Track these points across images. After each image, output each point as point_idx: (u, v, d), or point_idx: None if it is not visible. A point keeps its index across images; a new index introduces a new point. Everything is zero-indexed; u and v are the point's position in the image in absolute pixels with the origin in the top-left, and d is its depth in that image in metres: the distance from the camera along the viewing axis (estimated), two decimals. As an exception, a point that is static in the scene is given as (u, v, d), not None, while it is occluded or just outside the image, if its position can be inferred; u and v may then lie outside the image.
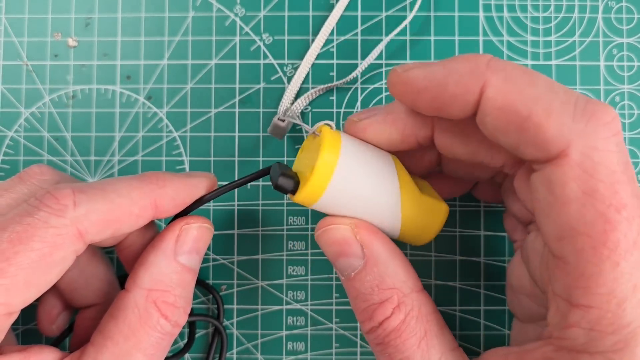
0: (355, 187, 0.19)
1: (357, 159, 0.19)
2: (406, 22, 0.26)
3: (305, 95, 0.26)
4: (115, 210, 0.19)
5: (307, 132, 0.23)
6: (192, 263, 0.21)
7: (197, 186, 0.21)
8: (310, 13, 0.27)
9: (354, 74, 0.26)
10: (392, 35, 0.26)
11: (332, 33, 0.27)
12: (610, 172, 0.15)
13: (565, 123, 0.15)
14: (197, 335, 0.26)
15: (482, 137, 0.19)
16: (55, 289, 0.23)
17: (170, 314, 0.20)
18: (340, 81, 0.26)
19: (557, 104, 0.16)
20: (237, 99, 0.27)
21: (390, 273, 0.19)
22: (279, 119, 0.25)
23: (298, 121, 0.22)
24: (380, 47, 0.26)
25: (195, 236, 0.21)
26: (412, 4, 0.27)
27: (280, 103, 0.26)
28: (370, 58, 0.26)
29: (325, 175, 0.19)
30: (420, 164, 0.23)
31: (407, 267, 0.20)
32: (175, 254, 0.20)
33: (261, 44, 0.27)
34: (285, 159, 0.27)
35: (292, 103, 0.26)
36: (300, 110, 0.26)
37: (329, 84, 0.26)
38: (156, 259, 0.20)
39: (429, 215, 0.21)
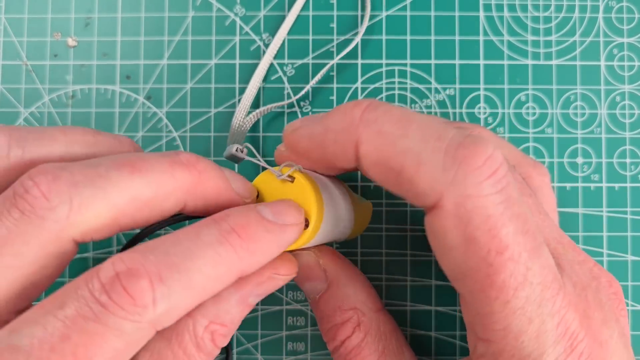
0: (330, 223, 0.20)
1: (330, 199, 0.20)
2: (356, 40, 0.26)
3: (255, 112, 0.25)
4: (198, 298, 0.16)
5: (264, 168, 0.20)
6: (256, 302, 0.19)
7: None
8: (311, 13, 0.27)
9: (302, 92, 0.26)
10: (339, 57, 0.26)
11: (332, 33, 0.27)
12: (485, 217, 0.15)
13: (435, 174, 0.15)
14: None
15: None
16: None
17: (220, 344, 0.18)
18: (287, 101, 0.26)
19: (426, 154, 0.15)
20: (237, 99, 0.27)
21: (351, 294, 0.20)
22: (237, 149, 0.22)
23: (259, 162, 0.20)
24: (326, 68, 0.26)
25: (275, 286, 0.19)
26: (412, 4, 0.27)
27: (233, 121, 0.24)
28: (316, 79, 0.26)
29: (315, 230, 0.19)
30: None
31: (367, 288, 0.21)
32: (250, 295, 0.18)
33: (261, 43, 0.27)
34: (285, 159, 0.27)
35: (243, 118, 0.25)
36: (249, 126, 0.25)
37: (279, 103, 0.26)
38: (230, 298, 0.18)
39: (366, 218, 0.24)
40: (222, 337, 0.18)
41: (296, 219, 0.18)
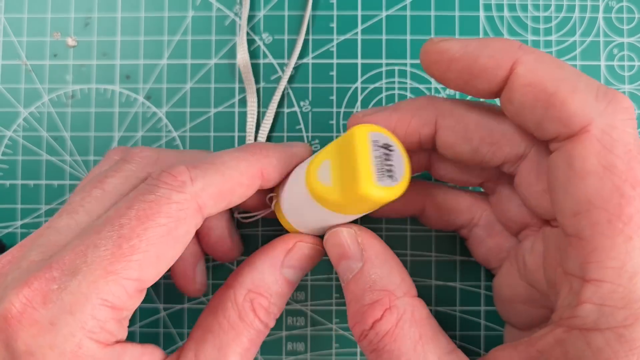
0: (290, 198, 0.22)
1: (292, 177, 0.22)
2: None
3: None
4: (227, 182, 0.20)
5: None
6: (294, 278, 0.22)
7: (296, 155, 0.22)
8: (310, 13, 0.27)
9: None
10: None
11: (332, 32, 0.27)
12: (627, 149, 0.16)
13: (588, 101, 0.17)
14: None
15: (485, 134, 0.20)
16: None
17: (262, 316, 0.21)
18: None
19: (581, 84, 0.17)
20: (236, 99, 0.27)
21: (385, 275, 0.19)
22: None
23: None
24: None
25: (305, 254, 0.22)
26: (413, 4, 0.27)
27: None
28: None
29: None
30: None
31: (403, 272, 0.20)
32: (282, 265, 0.21)
33: (261, 43, 0.27)
34: (285, 158, 0.27)
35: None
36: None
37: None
38: (262, 265, 0.21)
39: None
40: (263, 309, 0.20)
41: (304, 146, 0.23)
